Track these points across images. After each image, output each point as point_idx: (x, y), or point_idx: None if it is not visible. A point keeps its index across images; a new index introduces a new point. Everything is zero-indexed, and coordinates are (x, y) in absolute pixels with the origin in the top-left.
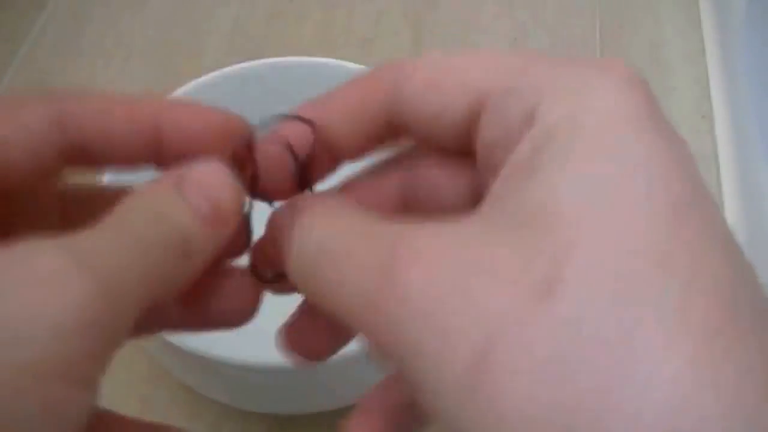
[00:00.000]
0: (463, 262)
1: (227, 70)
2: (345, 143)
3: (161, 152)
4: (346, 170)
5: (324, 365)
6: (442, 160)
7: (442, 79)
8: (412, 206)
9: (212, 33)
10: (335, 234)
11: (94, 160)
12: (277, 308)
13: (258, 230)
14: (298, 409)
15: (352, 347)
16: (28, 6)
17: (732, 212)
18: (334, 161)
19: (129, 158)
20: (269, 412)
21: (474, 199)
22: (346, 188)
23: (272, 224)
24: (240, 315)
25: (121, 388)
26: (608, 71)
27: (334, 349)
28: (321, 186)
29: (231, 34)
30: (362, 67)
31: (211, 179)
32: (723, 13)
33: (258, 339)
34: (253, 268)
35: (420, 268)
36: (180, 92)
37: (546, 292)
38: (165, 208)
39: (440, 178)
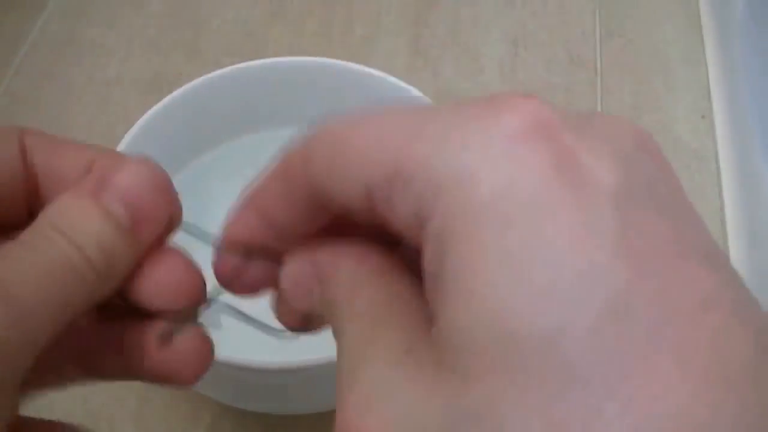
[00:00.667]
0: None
1: (227, 70)
2: (290, 233)
3: (39, 190)
4: None
5: (324, 365)
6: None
7: (336, 165)
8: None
9: (212, 33)
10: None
11: None
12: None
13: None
14: (298, 409)
15: None
16: (28, 6)
17: (732, 212)
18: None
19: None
20: (269, 412)
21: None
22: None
23: (290, 281)
24: (184, 373)
25: (120, 389)
26: (502, 127)
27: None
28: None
29: (231, 34)
30: (362, 67)
31: (133, 182)
32: (723, 13)
33: (258, 339)
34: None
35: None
36: (180, 92)
37: None
38: (79, 220)
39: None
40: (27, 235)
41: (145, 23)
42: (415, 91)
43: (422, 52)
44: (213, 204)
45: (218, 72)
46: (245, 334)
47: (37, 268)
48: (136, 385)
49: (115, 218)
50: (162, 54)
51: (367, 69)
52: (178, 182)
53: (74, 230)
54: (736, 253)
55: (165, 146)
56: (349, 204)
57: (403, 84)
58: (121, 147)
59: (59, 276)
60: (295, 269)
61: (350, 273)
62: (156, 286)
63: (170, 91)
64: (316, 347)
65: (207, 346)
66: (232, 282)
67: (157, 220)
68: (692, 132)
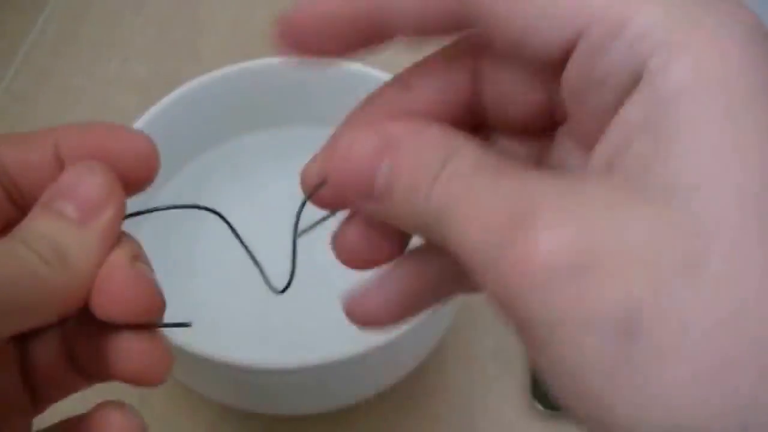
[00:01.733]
0: (599, 233)
1: (227, 70)
2: (406, 13)
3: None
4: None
5: (324, 365)
6: (513, 67)
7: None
8: (477, 113)
9: (212, 33)
10: (457, 192)
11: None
12: (277, 309)
13: None
14: (298, 409)
15: (353, 348)
16: (28, 6)
17: None
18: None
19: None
20: (269, 412)
21: (544, 118)
22: (403, 82)
23: (347, 152)
24: (148, 375)
25: (120, 389)
26: (731, 23)
27: (389, 259)
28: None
29: (231, 34)
30: (362, 67)
31: (71, 179)
32: None
33: (258, 339)
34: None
35: (554, 232)
36: (180, 92)
37: (691, 270)
38: (28, 223)
39: (509, 86)
40: None
41: (145, 23)
42: None
43: (422, 52)
44: (213, 204)
45: (218, 72)
46: (246, 334)
47: None
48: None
49: (61, 213)
50: (162, 54)
51: (367, 69)
52: (179, 182)
53: (23, 232)
54: None
55: (165, 146)
56: (523, 33)
57: None
58: None
59: (9, 276)
60: (357, 140)
61: (440, 131)
62: (108, 300)
63: (170, 91)
64: (317, 347)
65: (163, 353)
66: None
67: (105, 208)
68: None
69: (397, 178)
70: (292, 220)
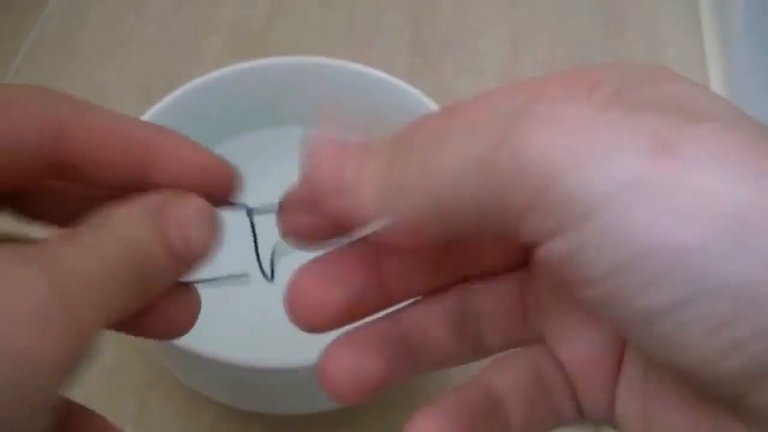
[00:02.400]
0: (586, 129)
1: (227, 70)
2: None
3: (146, 180)
4: None
5: None
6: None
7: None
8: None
9: (212, 33)
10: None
11: (79, 178)
12: (278, 309)
13: None
14: (298, 409)
15: None
16: (28, 6)
17: None
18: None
19: (115, 182)
20: (269, 412)
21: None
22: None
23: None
24: (177, 330)
25: (120, 389)
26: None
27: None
28: None
29: (231, 34)
30: (362, 67)
31: (191, 216)
32: (723, 13)
33: (258, 339)
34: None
35: (542, 127)
36: (180, 92)
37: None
38: (136, 235)
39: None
40: (84, 234)
41: (145, 23)
42: (415, 92)
43: (422, 52)
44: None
45: (218, 72)
46: (246, 334)
47: (94, 270)
48: (136, 385)
49: (169, 244)
50: (162, 54)
51: (367, 69)
52: None
53: (130, 241)
54: None
55: None
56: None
57: (403, 84)
58: None
59: (110, 276)
60: (324, 146)
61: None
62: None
63: (170, 91)
64: (317, 347)
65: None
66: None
67: (204, 255)
68: None
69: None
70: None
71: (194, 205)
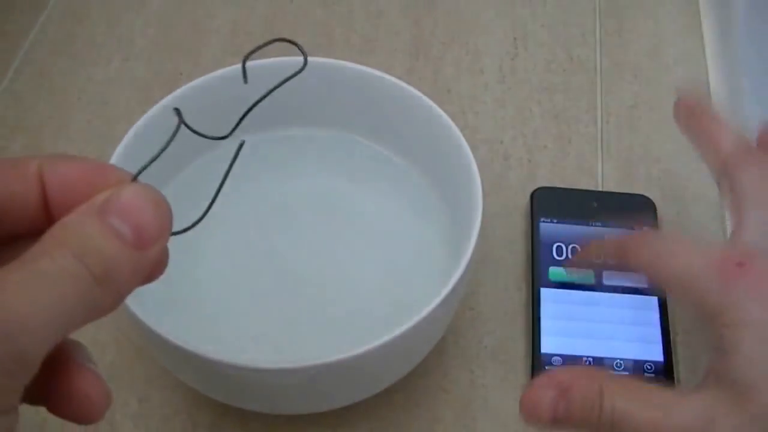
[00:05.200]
0: None
1: (227, 70)
2: None
3: (50, 207)
4: None
5: (324, 365)
6: None
7: None
8: None
9: (212, 33)
10: None
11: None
12: (278, 309)
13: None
14: (298, 409)
15: (353, 348)
16: (28, 6)
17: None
18: None
19: (24, 216)
20: (269, 412)
21: None
22: None
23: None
24: (89, 415)
25: (121, 388)
26: None
27: None
28: None
29: (231, 34)
30: (362, 67)
31: (135, 202)
32: (723, 13)
33: (258, 339)
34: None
35: None
36: (180, 92)
37: None
38: (86, 237)
39: None
40: (30, 254)
41: (145, 23)
42: (415, 91)
43: (422, 52)
44: (214, 205)
45: (218, 72)
46: (246, 334)
47: (37, 284)
48: (136, 385)
49: (117, 232)
50: (162, 54)
51: (367, 69)
52: (178, 183)
53: (77, 242)
54: None
55: None
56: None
57: (403, 84)
58: (120, 147)
59: (55, 285)
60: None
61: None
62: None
63: (170, 91)
64: (316, 347)
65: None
66: None
67: (159, 236)
68: None
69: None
70: (292, 219)
71: (132, 190)
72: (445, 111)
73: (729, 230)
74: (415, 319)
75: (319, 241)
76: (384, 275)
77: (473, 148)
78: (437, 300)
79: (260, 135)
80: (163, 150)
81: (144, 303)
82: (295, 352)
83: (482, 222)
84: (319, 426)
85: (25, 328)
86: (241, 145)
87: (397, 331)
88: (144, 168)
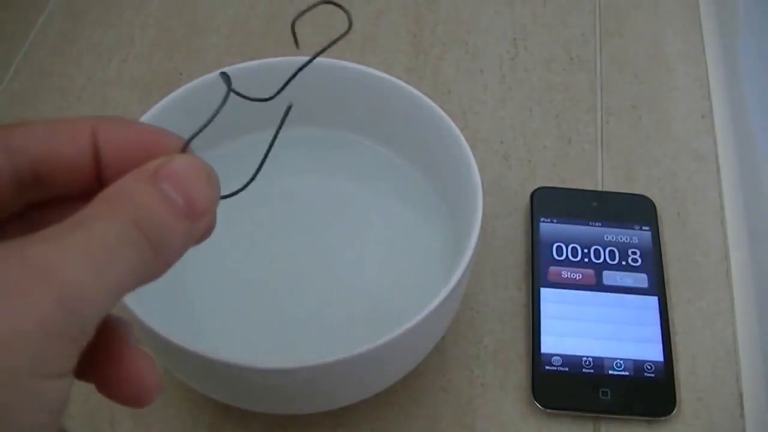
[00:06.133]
0: None
1: (227, 70)
2: None
3: (101, 169)
4: None
5: (324, 365)
6: None
7: None
8: None
9: (212, 33)
10: None
11: (44, 186)
12: (278, 309)
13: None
14: (298, 409)
15: (353, 348)
16: (28, 6)
17: (732, 212)
18: None
19: (75, 178)
20: (269, 412)
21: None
22: None
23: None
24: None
25: None
26: None
27: None
28: None
29: (231, 34)
30: (362, 67)
31: (188, 173)
32: (723, 13)
33: (258, 339)
34: None
35: None
36: (180, 92)
37: None
38: (143, 205)
39: None
40: (83, 216)
41: (145, 23)
42: (415, 91)
43: (422, 52)
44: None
45: (218, 72)
46: (245, 334)
47: (96, 250)
48: None
49: (172, 201)
50: (162, 54)
51: (367, 69)
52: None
53: (134, 208)
54: (736, 253)
55: None
56: None
57: (403, 84)
58: None
59: (115, 252)
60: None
61: None
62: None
63: (170, 91)
64: (316, 347)
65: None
66: None
67: (208, 207)
68: (692, 132)
69: None
70: (292, 219)
71: (184, 160)
72: (445, 111)
73: (729, 234)
74: (415, 319)
75: (318, 240)
76: (384, 275)
77: (473, 148)
78: (437, 300)
79: (260, 135)
80: (213, 117)
81: (144, 303)
82: (295, 352)
83: (482, 222)
84: (319, 426)
85: (85, 296)
86: (289, 108)
87: (397, 331)
88: (194, 136)
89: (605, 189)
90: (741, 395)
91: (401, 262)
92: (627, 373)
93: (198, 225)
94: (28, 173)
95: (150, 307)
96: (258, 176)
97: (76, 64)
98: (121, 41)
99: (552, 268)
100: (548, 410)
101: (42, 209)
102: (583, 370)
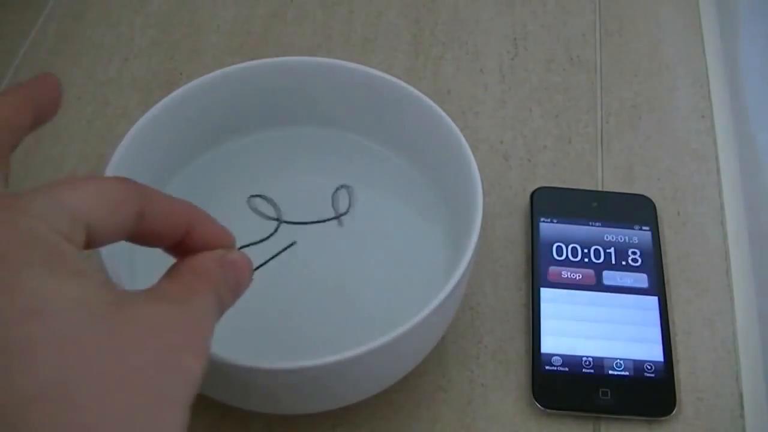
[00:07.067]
0: None
1: (227, 69)
2: None
3: (184, 242)
4: None
5: (323, 365)
6: None
7: None
8: None
9: (212, 33)
10: None
11: (140, 239)
12: (278, 309)
13: None
14: (298, 409)
15: (352, 349)
16: (28, 6)
17: (732, 212)
18: None
19: (163, 242)
20: (269, 412)
21: None
22: None
23: None
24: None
25: None
26: None
27: None
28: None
29: (231, 34)
30: (362, 67)
31: (242, 265)
32: (723, 13)
33: (258, 339)
34: None
35: None
36: (180, 92)
37: None
38: (218, 282)
39: None
40: (179, 286)
41: (145, 23)
42: (415, 91)
43: (422, 52)
44: (214, 204)
45: (218, 72)
46: (245, 334)
47: (200, 317)
48: None
49: (230, 282)
50: (162, 54)
51: (367, 69)
52: (179, 182)
53: (213, 284)
54: (736, 253)
55: (165, 146)
56: None
57: (403, 84)
58: (120, 147)
59: (212, 320)
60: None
61: None
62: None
63: (170, 91)
64: (316, 347)
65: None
66: None
67: (245, 288)
68: (692, 132)
69: None
70: (292, 219)
71: (241, 256)
72: (445, 111)
73: (729, 234)
74: (415, 319)
75: (318, 241)
76: (384, 275)
77: (473, 148)
78: (437, 300)
79: (260, 135)
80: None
81: None
82: (294, 352)
83: (482, 222)
84: (319, 426)
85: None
86: (291, 244)
87: (397, 331)
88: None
89: (605, 189)
90: (741, 395)
91: (401, 262)
92: (627, 373)
93: (236, 299)
94: (138, 233)
95: None
96: (258, 176)
97: (75, 63)
98: (121, 41)
99: (552, 268)
100: (548, 410)
101: None
102: (583, 370)
